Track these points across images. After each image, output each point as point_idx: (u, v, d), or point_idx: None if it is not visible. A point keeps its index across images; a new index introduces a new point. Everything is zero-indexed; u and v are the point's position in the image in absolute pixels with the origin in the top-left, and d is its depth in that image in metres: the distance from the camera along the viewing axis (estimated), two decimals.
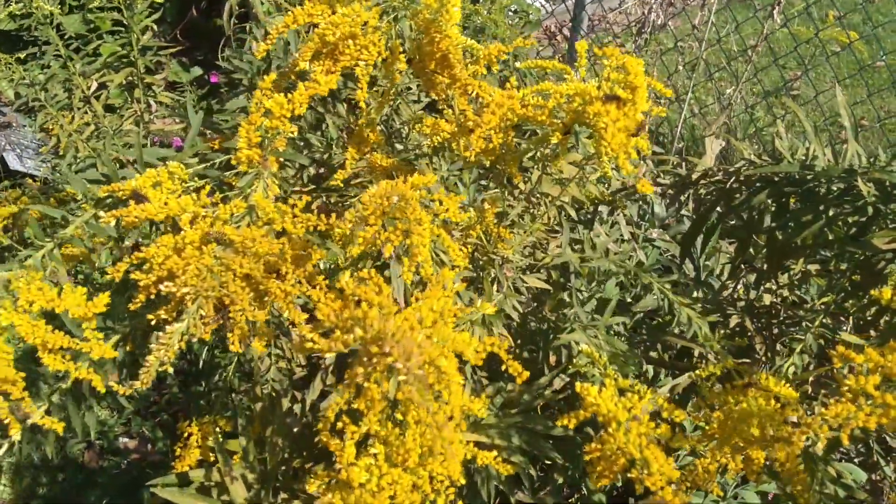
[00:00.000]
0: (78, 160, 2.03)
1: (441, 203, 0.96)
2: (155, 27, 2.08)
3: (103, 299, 1.01)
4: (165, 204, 1.02)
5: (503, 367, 0.87)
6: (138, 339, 1.22)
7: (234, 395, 1.92)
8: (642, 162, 2.26)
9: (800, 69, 3.20)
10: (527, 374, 0.86)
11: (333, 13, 1.08)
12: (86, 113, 2.03)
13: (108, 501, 2.19)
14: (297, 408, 1.39)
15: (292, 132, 1.08)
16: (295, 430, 1.30)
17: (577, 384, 0.95)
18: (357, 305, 0.76)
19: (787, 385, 0.95)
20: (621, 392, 0.96)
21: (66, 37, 2.04)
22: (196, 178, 1.15)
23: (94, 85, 2.04)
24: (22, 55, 2.01)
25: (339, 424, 0.83)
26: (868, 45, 3.23)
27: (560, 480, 1.64)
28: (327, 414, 0.82)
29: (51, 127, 2.06)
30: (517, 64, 1.19)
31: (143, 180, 1.06)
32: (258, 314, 0.95)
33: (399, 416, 0.82)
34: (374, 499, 0.79)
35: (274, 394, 1.44)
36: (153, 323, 0.98)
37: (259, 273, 0.94)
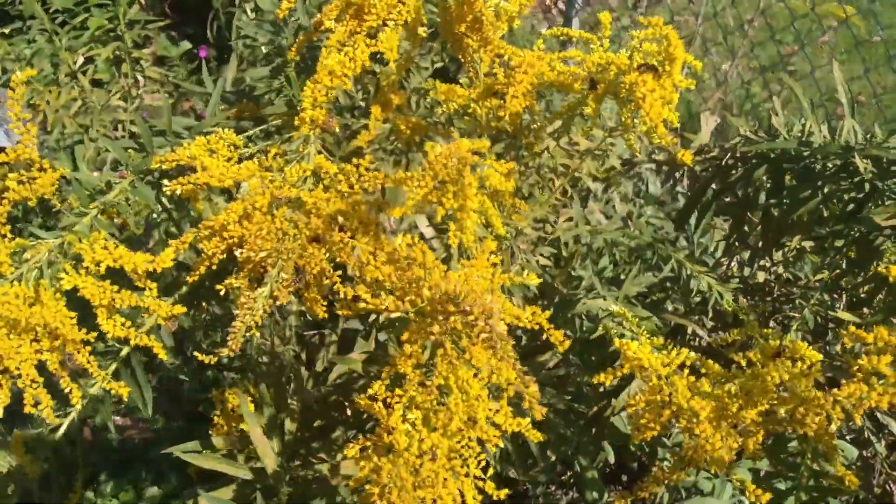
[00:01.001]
0: (65, 136, 2.00)
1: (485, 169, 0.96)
2: (143, 1, 2.05)
3: (169, 254, 1.00)
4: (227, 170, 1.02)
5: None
6: (192, 309, 1.21)
7: (226, 372, 1.91)
8: (638, 138, 2.25)
9: (797, 44, 3.17)
10: (568, 342, 0.87)
11: None
12: (72, 88, 2.00)
13: (104, 477, 2.19)
14: (304, 377, 1.39)
15: (332, 97, 1.07)
16: (307, 400, 1.31)
17: (616, 340, 0.97)
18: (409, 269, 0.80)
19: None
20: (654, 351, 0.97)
21: (51, 10, 2.01)
22: (249, 145, 1.14)
23: (81, 60, 2.01)
24: (7, 30, 1.98)
25: (371, 391, 0.83)
26: (865, 20, 3.20)
27: (553, 458, 1.65)
28: (376, 384, 0.82)
29: (38, 103, 2.03)
30: (542, 31, 1.17)
31: (196, 147, 1.05)
32: (333, 275, 0.96)
33: (440, 381, 0.81)
34: (419, 461, 0.79)
35: (281, 365, 1.44)
36: (222, 293, 0.98)
37: (329, 234, 0.95)
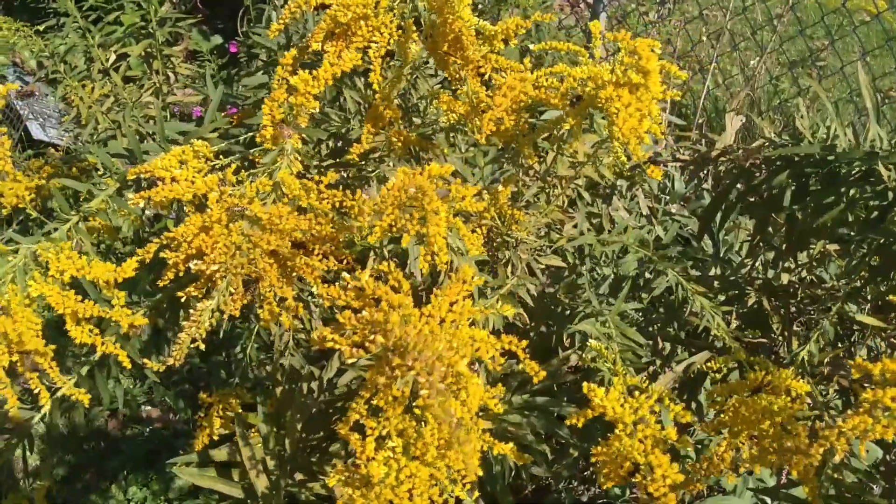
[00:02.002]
0: (98, 131, 2.04)
1: (457, 192, 0.97)
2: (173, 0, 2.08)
3: (131, 264, 1.04)
4: (192, 183, 1.04)
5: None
6: (167, 312, 1.24)
7: (252, 366, 1.95)
8: (662, 136, 2.23)
9: (827, 39, 3.14)
10: (543, 373, 0.87)
11: None
12: (105, 84, 2.03)
13: (132, 468, 2.24)
14: (314, 385, 1.40)
15: (315, 108, 1.09)
16: (313, 409, 1.32)
17: (584, 385, 0.95)
18: (377, 303, 0.78)
19: (800, 377, 0.95)
20: (630, 390, 0.96)
21: (84, 7, 2.04)
22: (220, 156, 1.16)
23: (113, 57, 2.05)
24: (41, 27, 2.02)
25: (356, 416, 0.84)
26: None
27: (575, 454, 1.66)
28: (349, 416, 0.83)
29: (72, 98, 2.07)
30: (531, 46, 1.18)
31: (168, 159, 1.08)
32: (286, 290, 0.98)
33: (417, 411, 0.82)
34: (394, 493, 0.80)
35: (291, 369, 1.46)
36: (183, 300, 1.00)
37: (286, 249, 0.96)
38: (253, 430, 1.25)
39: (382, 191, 0.87)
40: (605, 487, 0.92)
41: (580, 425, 0.93)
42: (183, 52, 2.34)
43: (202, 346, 0.96)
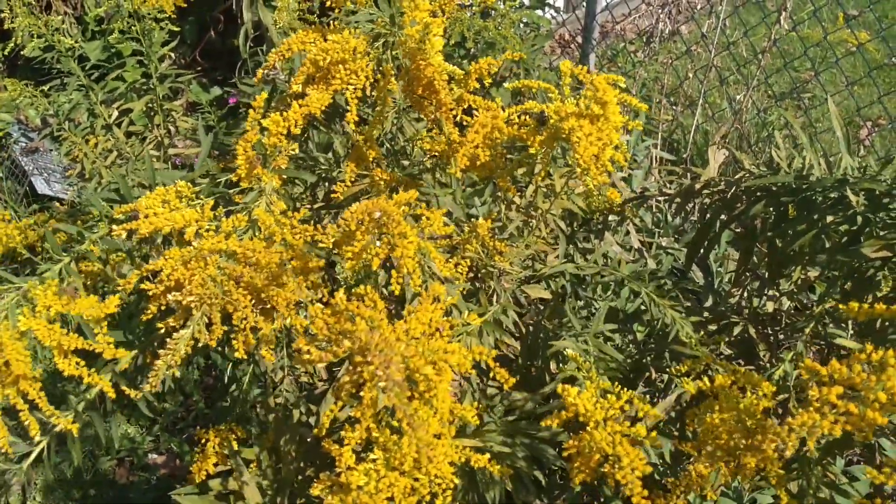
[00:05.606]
0: (102, 185, 2.10)
1: (427, 218, 1.02)
2: (172, 55, 2.16)
3: (114, 300, 1.08)
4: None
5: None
6: (156, 350, 1.28)
7: (248, 406, 1.98)
8: (650, 173, 2.29)
9: (813, 70, 3.20)
10: (513, 380, 0.92)
11: (325, 40, 1.15)
12: (108, 139, 2.10)
13: None
14: (311, 420, 1.43)
15: (293, 150, 1.15)
16: (308, 439, 1.35)
17: (559, 386, 0.99)
18: (352, 321, 0.83)
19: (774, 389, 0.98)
20: (604, 393, 0.99)
21: (87, 67, 2.12)
22: (201, 196, 1.21)
23: (115, 113, 2.12)
24: (46, 87, 2.09)
25: (329, 416, 0.89)
26: (884, 43, 3.23)
27: (577, 489, 1.67)
28: (322, 420, 0.87)
29: (76, 153, 2.14)
30: (505, 84, 1.24)
31: (152, 198, 1.13)
32: (260, 321, 1.01)
33: (395, 423, 0.86)
34: (372, 500, 0.84)
35: (287, 404, 1.49)
36: (163, 331, 1.04)
37: (260, 282, 1.00)
38: (252, 465, 1.28)
39: (346, 213, 0.91)
40: (576, 481, 0.94)
41: (555, 426, 0.96)
42: (183, 105, 2.42)
43: (177, 373, 1.01)
